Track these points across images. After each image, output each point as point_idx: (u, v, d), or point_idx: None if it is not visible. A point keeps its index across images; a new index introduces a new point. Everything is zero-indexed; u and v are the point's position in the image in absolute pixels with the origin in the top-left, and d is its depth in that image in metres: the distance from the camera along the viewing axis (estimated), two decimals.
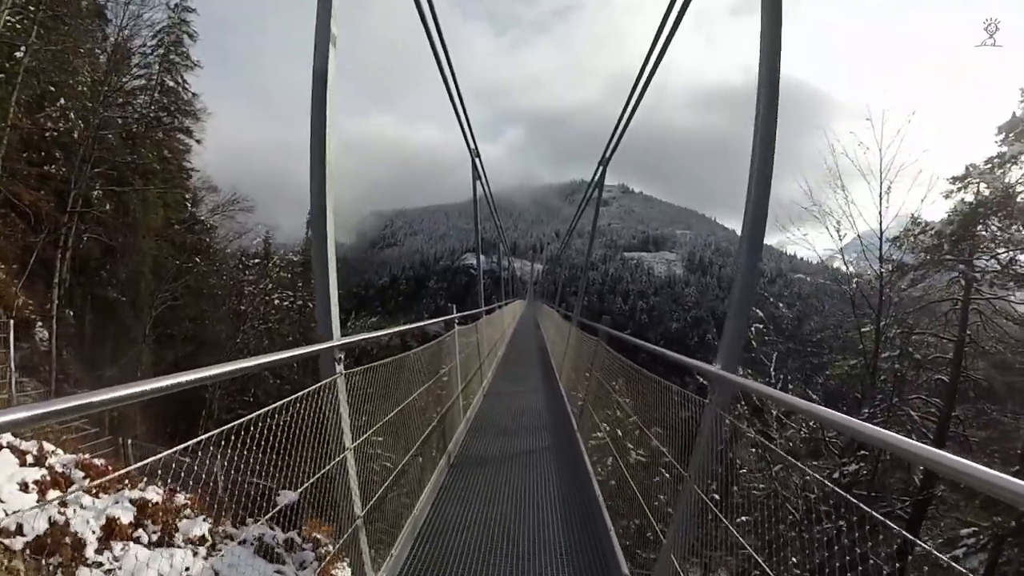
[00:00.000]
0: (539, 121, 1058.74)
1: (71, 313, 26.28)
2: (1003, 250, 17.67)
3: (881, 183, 18.29)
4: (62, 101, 26.20)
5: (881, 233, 19.10)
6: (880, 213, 18.58)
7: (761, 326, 23.45)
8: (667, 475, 5.78)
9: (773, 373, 21.80)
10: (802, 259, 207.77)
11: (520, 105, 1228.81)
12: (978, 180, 17.99)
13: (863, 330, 20.46)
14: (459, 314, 10.55)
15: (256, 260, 40.27)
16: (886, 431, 2.29)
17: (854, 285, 20.11)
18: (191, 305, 29.52)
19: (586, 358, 11.65)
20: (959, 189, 18.62)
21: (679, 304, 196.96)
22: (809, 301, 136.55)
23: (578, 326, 14.83)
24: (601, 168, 15.77)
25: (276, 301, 38.52)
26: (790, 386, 22.17)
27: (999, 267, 17.58)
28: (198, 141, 33.70)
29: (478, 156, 17.35)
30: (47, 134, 25.75)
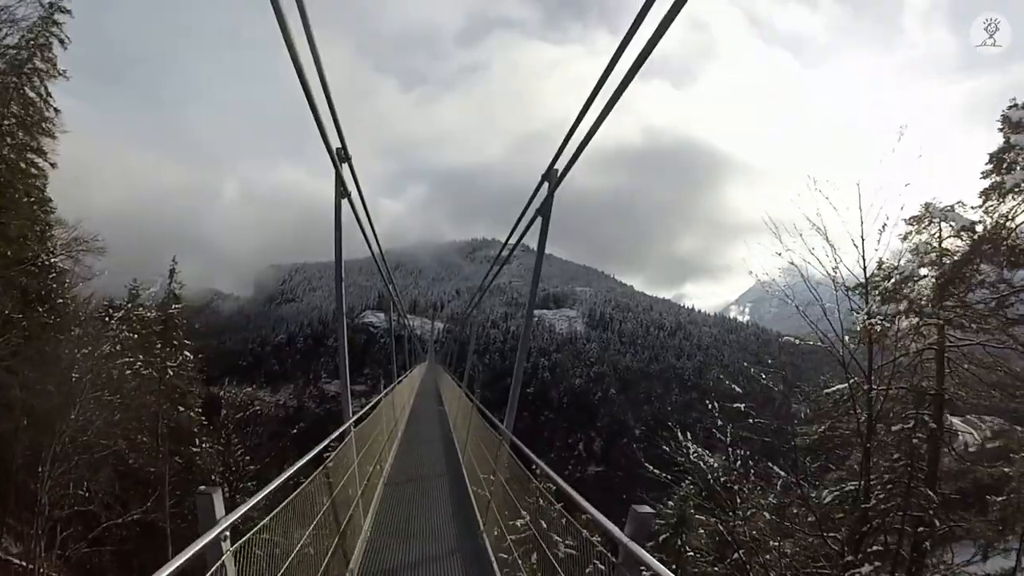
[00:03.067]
0: (444, 177, 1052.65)
1: None
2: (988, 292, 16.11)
3: (863, 227, 15.42)
4: None
5: (866, 280, 16.52)
6: (863, 258, 15.92)
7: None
8: None
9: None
10: (700, 311, 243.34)
11: (426, 160, 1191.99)
12: (939, 219, 16.39)
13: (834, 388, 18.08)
14: (355, 417, 10.31)
15: (119, 314, 29.81)
16: None
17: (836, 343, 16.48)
18: (29, 366, 21.37)
19: (488, 455, 11.34)
20: (917, 232, 16.93)
21: (581, 360, 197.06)
22: (709, 351, 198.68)
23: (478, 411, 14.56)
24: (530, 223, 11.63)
25: (126, 368, 27.07)
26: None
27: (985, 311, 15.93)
28: (53, 165, 25.09)
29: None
30: None
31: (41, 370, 22.21)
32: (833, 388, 17.74)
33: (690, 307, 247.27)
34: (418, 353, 68.38)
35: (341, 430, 9.56)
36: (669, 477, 21.33)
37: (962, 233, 16.36)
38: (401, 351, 39.29)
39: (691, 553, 21.33)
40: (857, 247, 16.00)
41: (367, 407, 13.57)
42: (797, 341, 19.77)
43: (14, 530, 21.75)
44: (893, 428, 16.57)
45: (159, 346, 31.03)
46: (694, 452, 19.82)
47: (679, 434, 20.43)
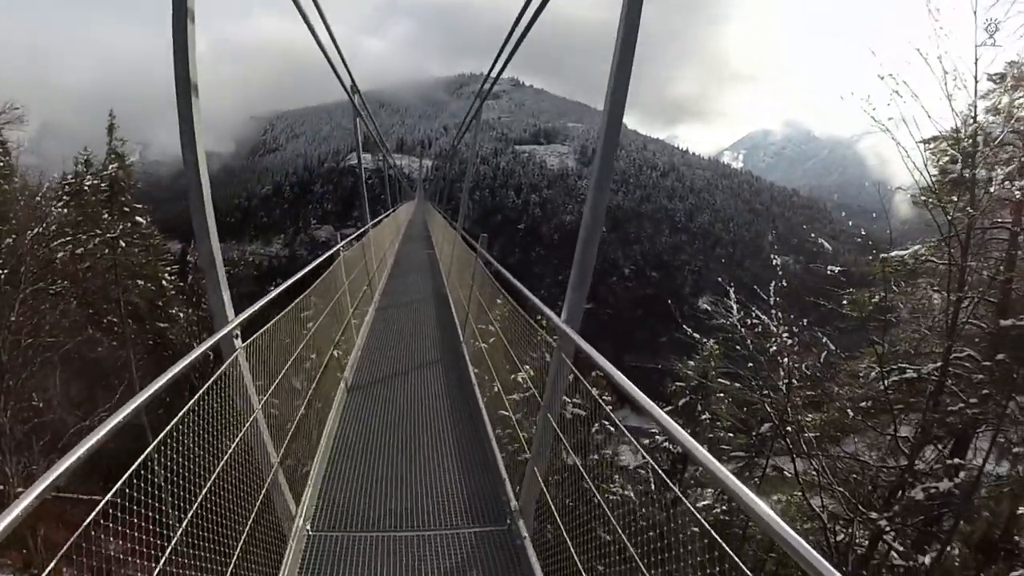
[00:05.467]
0: (428, 10, 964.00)
1: None
2: None
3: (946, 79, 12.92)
4: None
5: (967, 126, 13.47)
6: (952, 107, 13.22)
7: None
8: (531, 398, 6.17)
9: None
10: (694, 154, 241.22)
11: None
12: None
13: None
14: (343, 241, 10.28)
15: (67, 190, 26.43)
16: (691, 441, 2.48)
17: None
18: None
19: (468, 273, 12.01)
20: (1002, 92, 13.40)
21: (572, 197, 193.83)
22: (702, 195, 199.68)
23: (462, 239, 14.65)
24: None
25: (73, 248, 24.67)
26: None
27: None
28: None
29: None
30: None
31: None
32: (912, 249, 14.84)
33: (684, 149, 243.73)
34: (406, 192, 69.40)
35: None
36: (697, 336, 19.81)
37: None
38: (385, 192, 39.11)
39: (706, 417, 20.03)
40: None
41: (355, 234, 13.30)
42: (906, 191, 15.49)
43: None
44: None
45: (105, 217, 27.23)
46: (732, 309, 17.63)
47: (728, 292, 17.94)
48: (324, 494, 5.93)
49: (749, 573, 2.20)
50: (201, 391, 3.57)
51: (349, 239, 11.24)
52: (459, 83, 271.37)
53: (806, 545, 1.81)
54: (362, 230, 14.47)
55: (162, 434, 3.01)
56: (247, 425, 4.42)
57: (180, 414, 3.20)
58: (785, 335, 15.89)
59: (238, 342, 4.50)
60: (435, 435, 7.54)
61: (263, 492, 4.48)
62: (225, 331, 4.27)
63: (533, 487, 5.19)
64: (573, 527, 4.38)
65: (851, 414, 14.96)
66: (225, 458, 3.78)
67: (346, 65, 13.71)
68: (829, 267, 15.91)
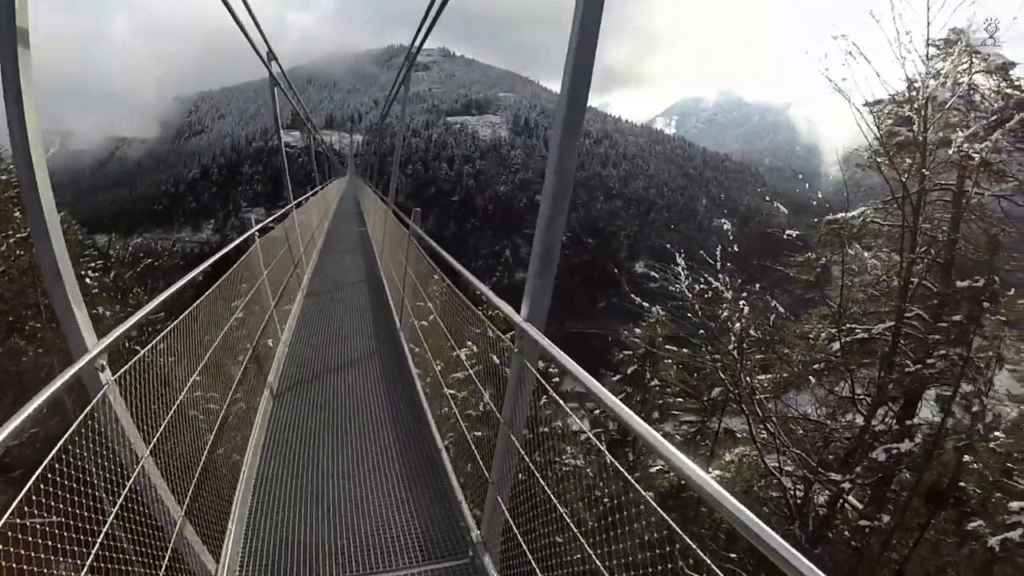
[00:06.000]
0: None
1: None
2: None
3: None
4: None
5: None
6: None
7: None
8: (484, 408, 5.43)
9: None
10: (627, 121, 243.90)
11: None
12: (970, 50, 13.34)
13: None
14: (259, 225, 8.91)
15: None
16: (653, 434, 2.34)
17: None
18: None
19: (401, 251, 11.18)
20: (943, 58, 13.58)
21: (506, 167, 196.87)
22: (635, 161, 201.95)
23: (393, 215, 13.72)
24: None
25: None
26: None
27: None
28: None
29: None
30: None
31: None
32: (858, 211, 14.92)
33: (616, 116, 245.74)
34: (337, 168, 67.30)
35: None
36: (646, 305, 19.18)
37: (993, 74, 13.74)
38: (316, 169, 35.92)
39: (655, 384, 19.67)
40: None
41: (271, 218, 11.84)
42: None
43: None
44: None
45: (17, 216, 22.17)
46: (679, 275, 16.92)
47: (675, 257, 17.15)
48: (249, 541, 5.11)
49: (705, 558, 2.17)
50: (54, 452, 2.68)
51: (264, 223, 9.77)
52: (389, 55, 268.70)
53: (762, 524, 1.81)
54: (282, 211, 13.02)
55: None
56: (132, 478, 3.41)
57: (24, 491, 2.34)
58: (734, 298, 15.82)
59: (105, 375, 3.37)
60: (378, 451, 6.66)
61: (167, 557, 3.64)
62: (83, 362, 3.13)
63: (497, 515, 4.51)
64: (546, 555, 3.88)
65: (802, 375, 15.19)
66: (105, 528, 3.00)
67: (260, 30, 11.94)
68: (787, 232, 15.73)
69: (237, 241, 7.91)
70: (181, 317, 4.66)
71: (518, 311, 3.94)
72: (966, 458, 12.23)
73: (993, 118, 12.96)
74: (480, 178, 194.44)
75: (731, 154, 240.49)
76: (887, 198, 14.25)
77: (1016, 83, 13.37)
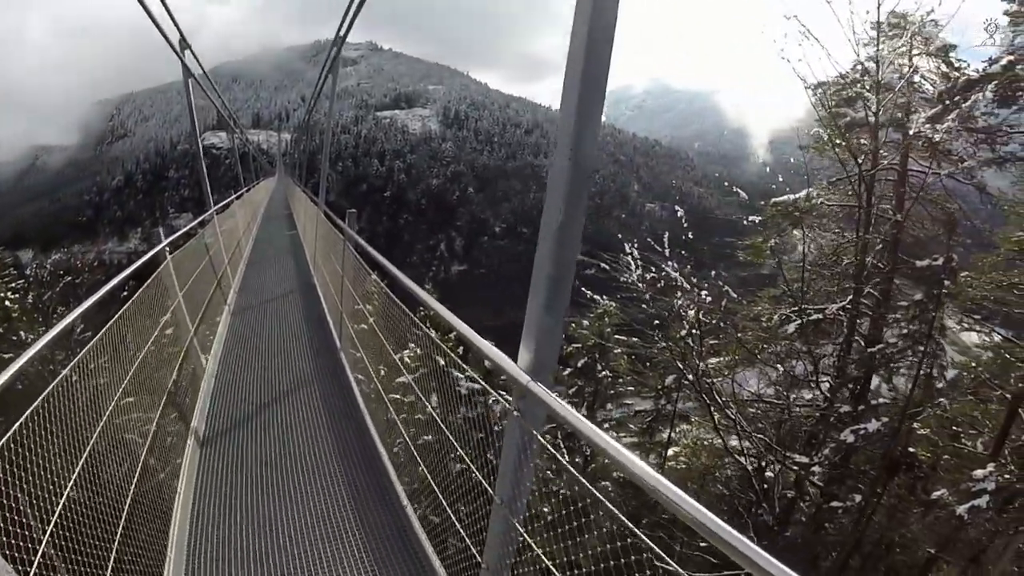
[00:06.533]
0: None
1: None
2: None
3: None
4: None
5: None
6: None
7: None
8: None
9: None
10: (556, 110, 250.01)
11: None
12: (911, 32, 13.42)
13: None
14: (171, 237, 7.81)
15: None
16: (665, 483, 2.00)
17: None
18: None
19: (337, 256, 9.91)
20: (885, 38, 13.56)
21: (438, 160, 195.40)
22: None
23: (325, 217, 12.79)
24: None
25: None
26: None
27: None
28: None
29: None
30: None
31: None
32: (803, 192, 14.81)
33: (547, 106, 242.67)
34: (265, 169, 65.14)
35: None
36: (598, 298, 18.86)
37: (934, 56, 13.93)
38: (245, 170, 34.40)
39: (605, 375, 19.57)
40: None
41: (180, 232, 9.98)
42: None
43: None
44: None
45: None
46: (631, 265, 16.36)
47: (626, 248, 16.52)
48: None
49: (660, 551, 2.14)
50: None
51: (175, 236, 8.35)
52: (316, 50, 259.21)
53: (717, 520, 1.79)
54: (197, 220, 11.20)
55: None
56: None
57: None
58: (686, 284, 15.74)
59: None
60: (331, 507, 5.42)
61: None
62: None
63: None
64: None
65: (759, 358, 15.17)
66: None
67: (173, 18, 11.36)
68: (749, 218, 15.62)
69: (144, 259, 6.54)
70: (59, 379, 3.44)
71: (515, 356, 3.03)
72: (915, 425, 12.41)
73: (943, 100, 13.13)
74: (412, 172, 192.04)
75: (661, 140, 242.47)
76: (833, 179, 14.54)
77: (956, 65, 13.62)
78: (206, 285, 9.87)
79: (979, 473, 10.31)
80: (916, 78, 14.04)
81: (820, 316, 13.99)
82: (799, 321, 14.09)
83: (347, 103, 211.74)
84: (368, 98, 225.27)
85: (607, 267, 17.05)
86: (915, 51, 13.82)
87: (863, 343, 13.13)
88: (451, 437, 4.50)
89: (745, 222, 15.79)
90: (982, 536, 10.74)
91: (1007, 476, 10.16)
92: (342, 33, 11.29)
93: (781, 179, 15.50)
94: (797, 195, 14.67)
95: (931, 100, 13.51)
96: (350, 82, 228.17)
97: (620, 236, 17.11)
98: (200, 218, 11.40)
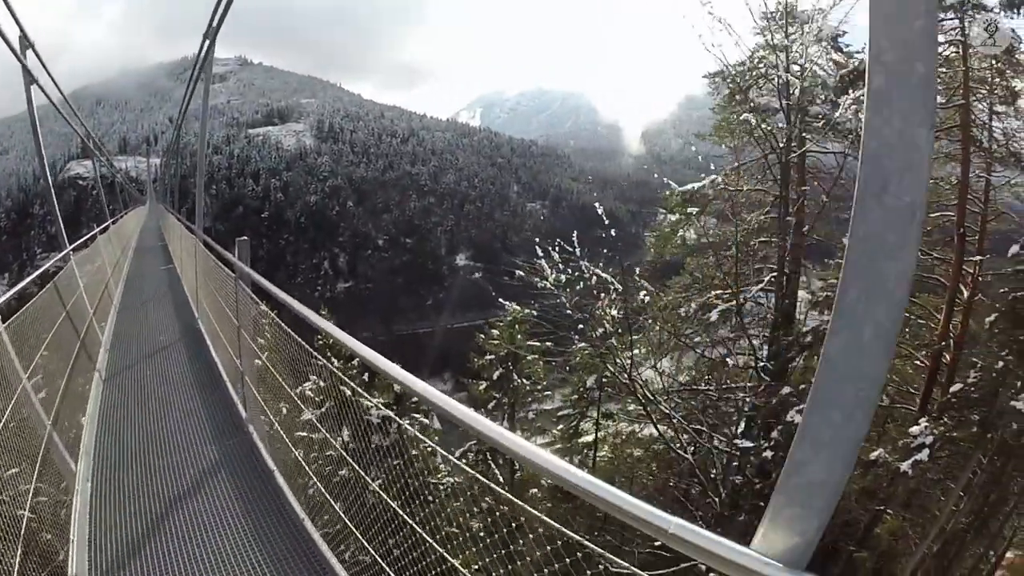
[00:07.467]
0: None
1: None
2: None
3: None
4: None
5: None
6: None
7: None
8: None
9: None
10: (432, 117, 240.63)
11: None
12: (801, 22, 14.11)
13: None
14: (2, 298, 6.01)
15: None
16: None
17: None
18: None
19: (225, 297, 8.22)
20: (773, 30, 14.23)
21: (314, 175, 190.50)
22: (444, 156, 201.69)
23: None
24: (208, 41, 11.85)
25: None
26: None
27: None
28: None
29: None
30: None
31: None
32: (706, 180, 15.12)
33: (422, 113, 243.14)
34: (136, 197, 62.76)
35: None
36: (517, 307, 18.43)
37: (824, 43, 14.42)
38: (113, 201, 32.52)
39: (521, 383, 18.90)
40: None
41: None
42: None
43: None
44: None
45: None
46: (548, 272, 16.09)
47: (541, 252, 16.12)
48: None
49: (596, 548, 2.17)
50: None
51: (8, 294, 6.31)
52: (183, 67, 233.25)
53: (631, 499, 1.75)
54: (42, 268, 8.76)
55: None
56: None
57: None
58: (611, 280, 15.65)
59: None
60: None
61: None
62: None
63: None
64: None
65: (685, 347, 15.31)
66: None
67: (11, 11, 10.14)
68: (665, 213, 15.77)
69: None
70: None
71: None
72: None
73: (838, 84, 13.56)
74: (289, 190, 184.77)
75: (536, 140, 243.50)
76: (740, 164, 14.74)
77: (846, 51, 14.20)
78: (66, 348, 7.78)
79: (915, 429, 10.80)
80: (807, 64, 14.47)
81: (743, 300, 14.21)
82: (723, 307, 14.29)
83: (218, 121, 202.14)
84: (239, 115, 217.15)
85: (522, 274, 16.93)
86: (809, 40, 14.29)
87: (793, 327, 13.35)
88: (361, 472, 4.16)
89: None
90: (920, 486, 11.34)
91: (940, 428, 10.70)
92: (212, 29, 10.79)
93: (656, 174, 15.92)
94: (700, 184, 15.06)
95: (830, 86, 14.06)
96: (220, 99, 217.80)
97: (508, 239, 16.75)
98: (46, 265, 9.06)
